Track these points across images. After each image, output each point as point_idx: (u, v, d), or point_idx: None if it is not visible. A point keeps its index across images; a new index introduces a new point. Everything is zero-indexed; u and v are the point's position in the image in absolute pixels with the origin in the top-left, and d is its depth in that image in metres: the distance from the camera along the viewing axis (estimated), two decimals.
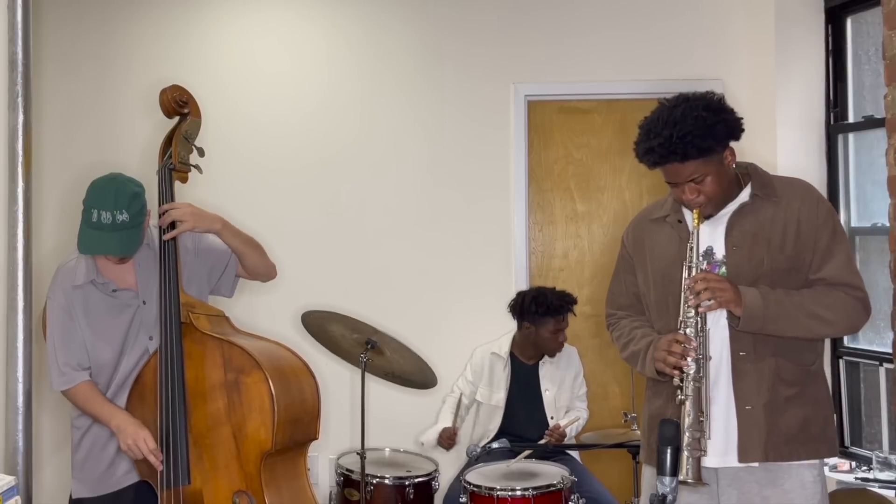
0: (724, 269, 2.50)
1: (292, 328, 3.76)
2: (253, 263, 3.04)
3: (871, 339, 4.15)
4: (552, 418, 4.10)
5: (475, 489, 3.44)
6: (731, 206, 2.52)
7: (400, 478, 3.70)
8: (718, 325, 2.49)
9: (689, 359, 2.40)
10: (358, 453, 3.58)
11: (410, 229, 4.77)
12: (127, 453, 2.75)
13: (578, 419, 4.12)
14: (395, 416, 4.53)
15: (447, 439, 3.99)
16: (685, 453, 2.35)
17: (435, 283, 4.74)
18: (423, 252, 4.75)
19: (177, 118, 2.96)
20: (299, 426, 2.80)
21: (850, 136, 4.34)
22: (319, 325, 3.61)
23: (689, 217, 2.52)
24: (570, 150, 4.80)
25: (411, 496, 3.68)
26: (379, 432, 4.36)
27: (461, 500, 3.47)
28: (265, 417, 2.68)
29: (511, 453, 3.83)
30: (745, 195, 2.52)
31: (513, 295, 4.39)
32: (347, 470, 3.74)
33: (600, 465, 4.32)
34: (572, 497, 3.45)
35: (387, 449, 4.07)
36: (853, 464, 3.99)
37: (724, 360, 2.49)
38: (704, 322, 2.45)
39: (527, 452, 3.80)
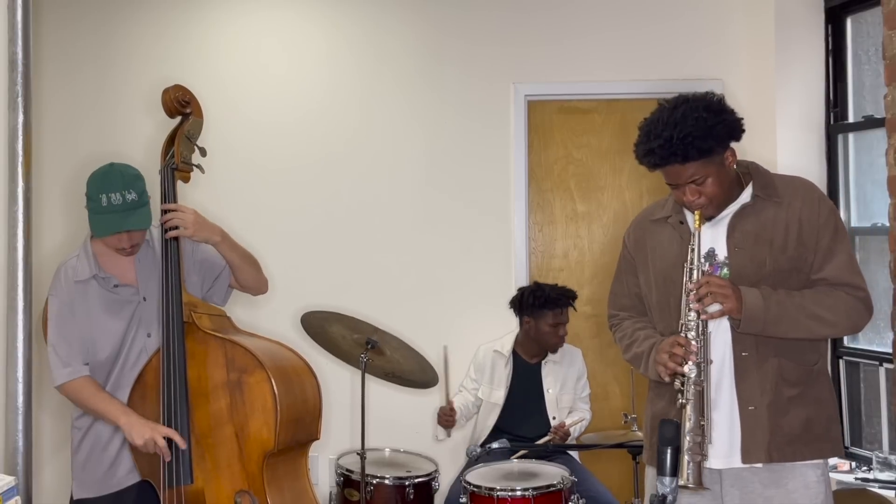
0: (726, 271, 2.49)
1: (292, 328, 3.76)
2: (246, 277, 3.06)
3: (871, 339, 4.15)
4: (554, 418, 4.11)
5: (475, 489, 3.44)
6: (733, 207, 2.51)
7: (400, 478, 3.70)
8: (720, 326, 2.49)
9: (690, 362, 2.40)
10: (358, 453, 3.58)
11: (410, 229, 4.77)
12: (139, 447, 2.75)
13: (583, 420, 4.13)
14: (395, 416, 4.54)
15: (444, 417, 3.98)
16: (686, 457, 2.35)
17: (435, 283, 4.74)
18: (423, 252, 4.75)
19: (179, 118, 2.97)
20: (301, 426, 2.81)
21: (850, 136, 4.34)
22: (319, 325, 3.61)
23: (691, 218, 2.51)
24: (570, 150, 4.80)
25: (411, 496, 3.67)
26: (379, 432, 4.36)
27: (461, 500, 3.47)
28: (268, 417, 2.68)
29: (511, 453, 3.83)
30: (746, 195, 2.51)
31: (513, 294, 4.40)
32: (347, 470, 3.74)
33: (600, 465, 4.32)
34: (572, 497, 3.45)
35: (387, 449, 4.07)
36: (853, 464, 3.99)
37: (727, 361, 2.48)
38: (706, 325, 2.44)
39: (522, 452, 3.81)
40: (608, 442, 3.78)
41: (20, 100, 2.48)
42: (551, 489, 3.40)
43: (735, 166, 2.50)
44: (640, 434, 3.69)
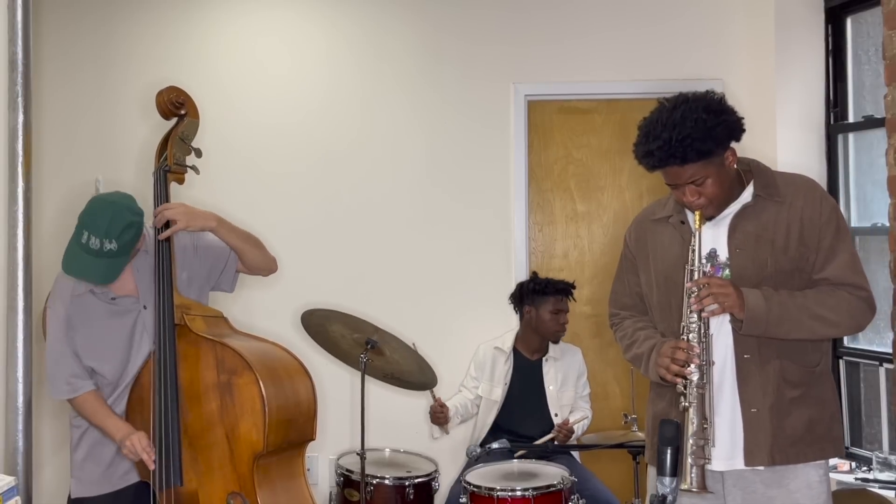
0: (727, 272, 2.48)
1: (292, 328, 3.76)
2: (252, 258, 3.03)
3: (871, 339, 4.15)
4: (556, 415, 4.11)
5: (475, 489, 3.44)
6: (734, 207, 2.49)
7: (400, 478, 3.69)
8: (722, 328, 2.48)
9: (692, 366, 2.39)
10: (358, 454, 3.57)
11: (410, 229, 4.77)
12: (128, 457, 2.76)
13: (585, 418, 4.14)
14: (394, 417, 4.53)
15: (436, 414, 3.98)
16: (689, 461, 2.35)
17: (435, 283, 4.74)
18: (423, 252, 4.75)
19: (174, 119, 2.94)
20: (294, 427, 2.79)
21: (850, 135, 4.34)
22: (319, 324, 3.60)
23: (692, 218, 2.49)
24: (570, 150, 4.80)
25: (411, 496, 3.67)
26: (379, 433, 4.36)
27: (461, 500, 3.47)
28: (256, 419, 2.67)
29: (512, 453, 3.83)
30: (747, 195, 2.50)
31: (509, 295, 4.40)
32: (347, 470, 3.74)
33: (600, 465, 4.32)
34: (572, 497, 3.45)
35: (387, 449, 4.07)
36: (853, 464, 3.98)
37: (729, 363, 2.48)
38: (707, 327, 2.43)
39: (521, 452, 3.80)
40: (608, 442, 3.78)
41: (20, 100, 2.48)
42: (551, 489, 3.40)
43: (736, 165, 2.48)
44: (640, 434, 3.69)
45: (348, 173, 4.79)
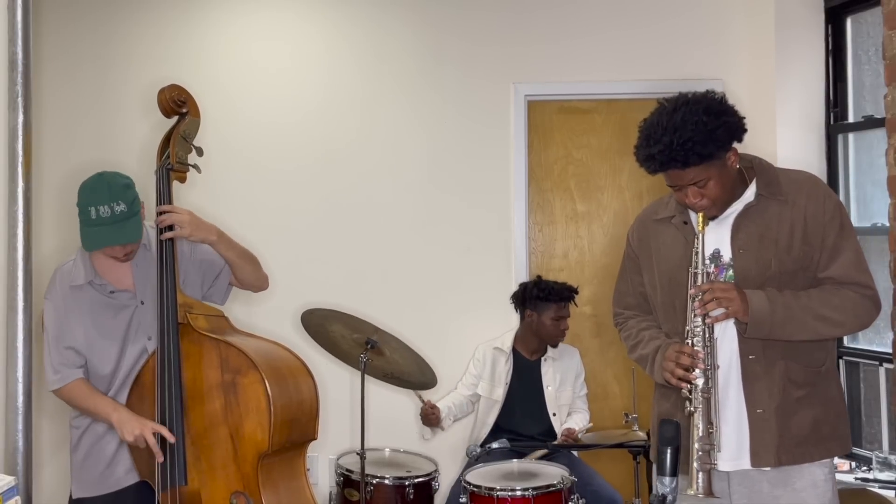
0: (731, 273, 2.47)
1: (292, 327, 3.76)
2: (245, 275, 3.06)
3: (871, 339, 4.15)
4: (554, 415, 4.11)
5: (475, 489, 3.44)
6: (737, 206, 2.48)
7: (400, 478, 3.70)
8: (727, 330, 2.47)
9: (697, 371, 2.38)
10: (358, 453, 3.57)
11: (410, 229, 4.77)
12: (131, 443, 2.74)
13: (587, 421, 4.15)
14: (394, 416, 4.53)
15: (428, 415, 3.97)
16: (695, 465, 2.34)
17: (435, 284, 4.74)
18: (423, 252, 4.75)
19: (175, 118, 2.95)
20: (297, 427, 2.80)
21: (850, 136, 4.34)
22: (320, 324, 3.61)
23: (695, 219, 2.48)
24: (570, 150, 4.80)
25: (411, 496, 3.67)
26: (379, 432, 4.36)
27: (461, 500, 3.47)
28: (261, 418, 2.67)
29: (512, 453, 3.83)
30: (750, 194, 2.48)
31: (514, 291, 4.39)
32: (347, 470, 3.74)
33: (601, 465, 4.31)
34: (572, 497, 3.45)
35: (387, 449, 4.07)
36: (853, 464, 3.98)
37: (734, 365, 2.47)
38: (712, 332, 2.42)
39: (540, 452, 3.79)
40: (608, 442, 3.78)
41: (20, 100, 2.47)
42: (551, 489, 3.41)
43: (738, 163, 2.46)
44: (640, 434, 3.69)
45: (348, 173, 4.79)
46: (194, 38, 4.86)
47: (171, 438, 2.70)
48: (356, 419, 3.68)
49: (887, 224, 3.64)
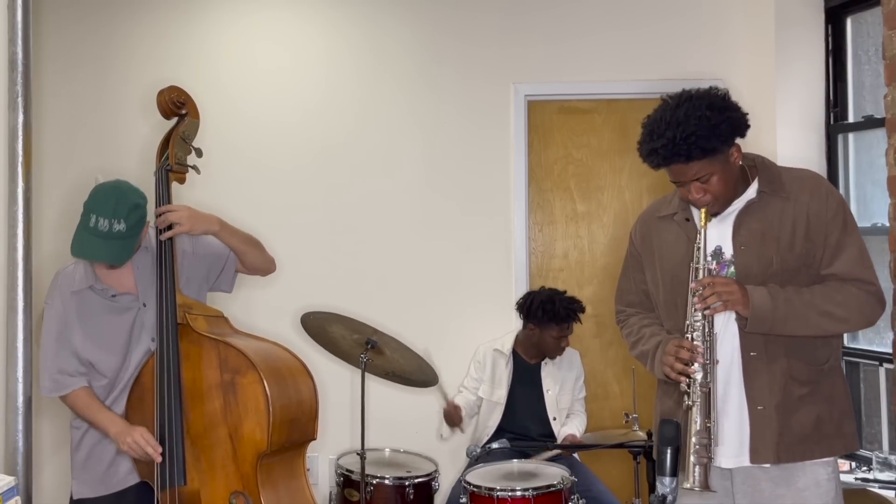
0: (732, 269, 2.47)
1: (292, 328, 3.75)
2: (252, 260, 3.05)
3: (871, 339, 4.15)
4: (554, 419, 4.11)
5: (475, 489, 3.44)
6: (738, 204, 2.48)
7: (400, 478, 3.69)
8: (728, 326, 2.47)
9: (696, 365, 2.39)
10: (358, 453, 3.57)
11: (410, 230, 4.77)
12: (129, 453, 2.75)
13: (583, 424, 4.15)
14: (395, 416, 4.53)
15: (449, 415, 3.97)
16: (692, 459, 2.34)
17: (435, 284, 4.74)
18: (423, 252, 4.75)
19: (175, 119, 2.95)
20: (296, 427, 2.80)
21: (850, 136, 4.34)
22: (319, 325, 3.61)
23: (697, 215, 2.48)
24: (570, 150, 4.80)
25: (411, 496, 3.67)
26: (379, 432, 4.36)
27: (461, 500, 3.47)
28: (260, 418, 2.67)
29: (512, 453, 3.83)
30: (752, 191, 2.48)
31: (512, 295, 4.40)
32: (347, 470, 3.74)
33: (600, 465, 4.32)
34: (572, 497, 3.45)
35: (387, 449, 4.07)
36: (853, 464, 3.98)
37: (736, 361, 2.47)
38: (712, 326, 2.43)
39: (550, 454, 3.79)
40: (608, 442, 3.77)
41: (20, 100, 2.48)
42: (551, 489, 3.40)
43: (741, 161, 2.46)
44: (640, 434, 3.69)
45: (348, 173, 4.79)
46: (194, 39, 4.86)
47: (157, 458, 2.70)
48: (356, 419, 3.67)
49: (887, 224, 3.64)
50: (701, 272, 2.43)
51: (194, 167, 2.95)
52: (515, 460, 3.75)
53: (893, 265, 3.50)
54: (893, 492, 3.58)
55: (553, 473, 3.54)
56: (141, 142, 4.27)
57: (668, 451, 2.16)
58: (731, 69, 4.58)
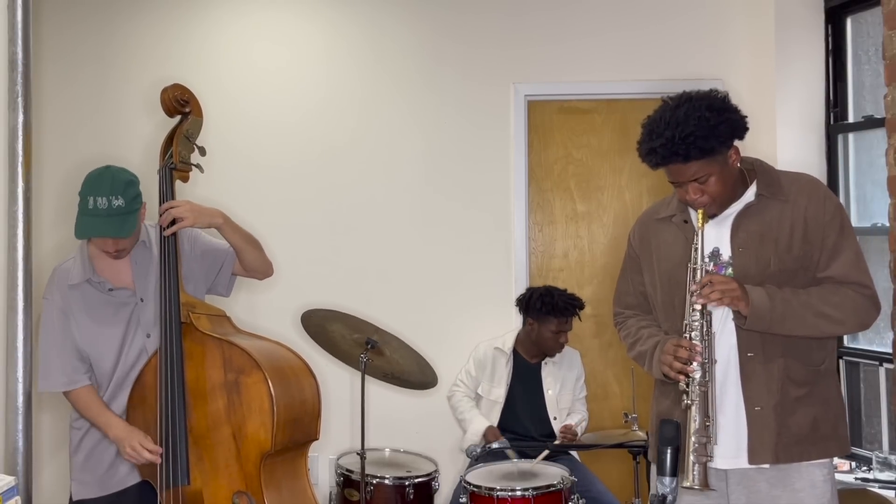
0: (730, 271, 2.48)
1: (292, 327, 3.76)
2: (251, 260, 3.04)
3: (871, 339, 4.15)
4: (555, 418, 4.11)
5: (475, 489, 3.44)
6: (737, 206, 2.49)
7: (400, 478, 3.70)
8: (726, 326, 2.48)
9: (694, 363, 2.39)
10: (358, 453, 3.57)
11: (410, 230, 4.77)
12: (130, 461, 2.75)
13: (584, 420, 4.15)
14: (395, 416, 4.54)
15: (493, 438, 3.97)
16: (691, 458, 2.34)
17: (435, 284, 4.74)
18: (423, 253, 4.75)
19: (178, 117, 2.96)
20: (299, 427, 2.80)
21: (850, 136, 4.34)
22: (320, 324, 3.61)
23: (695, 216, 2.49)
24: (570, 150, 4.80)
25: (411, 496, 3.68)
26: (379, 432, 4.36)
27: (461, 500, 3.47)
28: (265, 418, 2.67)
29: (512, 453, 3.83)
30: (750, 194, 2.50)
31: (512, 295, 4.41)
32: (347, 470, 3.74)
33: (600, 465, 4.32)
34: (572, 497, 3.45)
35: (387, 449, 4.07)
36: (853, 464, 3.98)
37: (733, 362, 2.47)
38: (710, 325, 2.43)
39: (544, 453, 3.79)
40: (608, 442, 3.77)
41: (20, 100, 2.48)
42: (551, 489, 3.41)
43: (739, 164, 2.48)
44: (640, 434, 3.69)
45: (348, 173, 4.79)
46: (195, 39, 4.86)
47: (156, 461, 2.71)
48: (356, 419, 3.68)
49: (887, 224, 3.64)
50: (699, 272, 2.44)
51: (198, 165, 2.95)
52: (515, 460, 3.75)
53: (893, 265, 3.51)
54: (893, 492, 3.58)
55: (553, 473, 3.54)
56: (142, 141, 4.27)
57: (668, 450, 2.17)
58: (731, 69, 4.58)
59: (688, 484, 2.35)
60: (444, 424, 4.51)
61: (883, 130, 3.73)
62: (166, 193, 2.88)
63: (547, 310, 4.05)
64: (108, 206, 2.71)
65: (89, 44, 4.88)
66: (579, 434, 4.06)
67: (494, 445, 3.65)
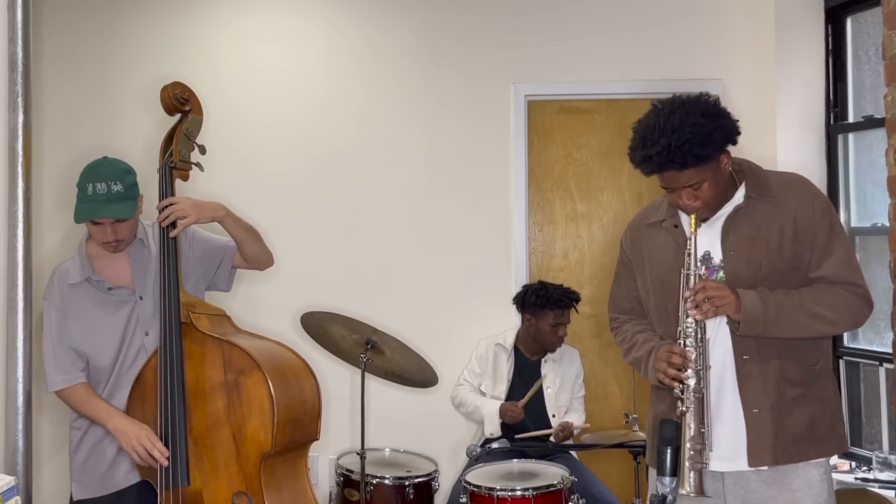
0: (721, 274, 2.48)
1: (292, 328, 3.76)
2: (252, 251, 3.04)
3: (871, 339, 4.15)
4: (553, 416, 4.12)
5: (475, 489, 3.44)
6: (727, 209, 2.49)
7: (400, 478, 3.70)
8: (720, 330, 2.47)
9: (688, 370, 2.39)
10: (358, 453, 3.57)
11: (410, 230, 4.77)
12: (130, 455, 2.75)
13: (582, 420, 4.15)
14: (395, 416, 4.54)
15: (510, 413, 4.00)
16: (686, 465, 2.34)
17: (435, 284, 4.74)
18: (423, 253, 4.75)
19: (178, 115, 2.95)
20: (299, 427, 2.79)
21: (850, 136, 4.34)
22: (319, 325, 3.61)
23: (686, 221, 2.49)
24: (570, 150, 4.80)
25: (411, 496, 3.67)
26: (379, 432, 4.36)
27: (461, 500, 3.47)
28: (265, 418, 2.67)
29: (512, 453, 3.83)
30: (739, 196, 2.49)
31: (512, 295, 4.39)
32: (347, 470, 3.74)
33: (600, 465, 4.32)
34: (572, 497, 3.45)
35: (387, 449, 4.07)
36: (853, 464, 3.98)
37: (728, 365, 2.47)
38: (704, 332, 2.43)
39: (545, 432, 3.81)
40: (608, 442, 3.78)
41: (20, 100, 2.48)
42: (551, 489, 3.40)
43: (730, 166, 2.47)
44: (641, 434, 3.70)
45: (348, 174, 4.79)
46: (194, 39, 4.86)
47: (163, 462, 2.70)
48: (356, 419, 3.68)
49: (887, 224, 3.64)
50: (692, 278, 2.43)
51: (198, 164, 2.95)
52: (515, 460, 3.75)
53: (893, 265, 3.51)
54: (893, 492, 3.59)
55: (553, 473, 3.54)
56: (142, 140, 4.27)
57: (668, 450, 2.16)
58: (731, 70, 4.58)
59: (684, 491, 2.34)
60: (444, 424, 4.51)
61: (883, 130, 3.73)
62: (166, 192, 2.88)
63: (542, 303, 4.08)
64: (107, 190, 2.74)
65: (89, 43, 4.88)
66: (575, 432, 4.06)
67: (495, 445, 3.65)
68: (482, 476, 3.55)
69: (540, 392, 4.15)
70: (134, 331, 2.87)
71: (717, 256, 2.49)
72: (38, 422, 3.53)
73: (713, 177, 2.41)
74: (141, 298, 2.89)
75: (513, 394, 4.15)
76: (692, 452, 2.35)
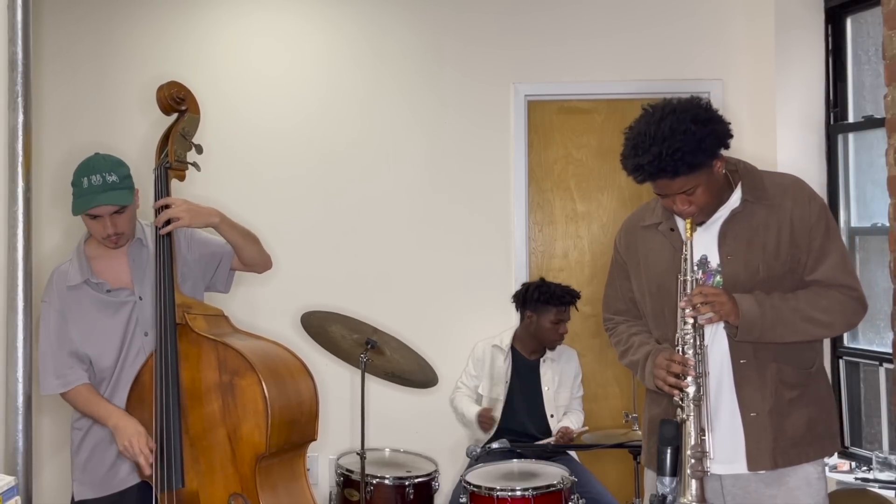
0: (719, 279, 2.47)
1: (292, 328, 3.76)
2: (250, 255, 3.03)
3: (871, 339, 4.15)
4: (552, 416, 4.11)
5: (475, 489, 3.44)
6: (723, 212, 2.47)
7: (400, 478, 3.70)
8: (717, 335, 2.47)
9: (688, 378, 2.38)
10: (358, 453, 3.58)
11: (410, 230, 4.77)
12: (123, 453, 2.75)
13: (581, 423, 4.15)
14: (395, 416, 4.54)
15: (486, 420, 4.02)
16: (688, 472, 2.34)
17: (435, 284, 4.74)
18: (423, 252, 4.75)
19: (174, 115, 2.92)
20: (296, 428, 2.78)
21: (850, 136, 4.34)
22: (319, 325, 3.61)
23: (682, 225, 2.48)
24: (570, 150, 4.80)
25: (411, 496, 3.67)
26: (379, 432, 4.36)
27: (461, 500, 3.47)
28: (259, 420, 2.65)
29: (512, 453, 3.83)
30: (735, 199, 2.47)
31: (516, 290, 4.39)
32: (347, 470, 3.74)
33: (600, 465, 4.32)
34: (572, 497, 3.45)
35: (387, 449, 4.07)
36: (853, 464, 3.99)
37: (726, 369, 2.46)
38: (703, 338, 2.41)
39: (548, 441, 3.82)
40: (608, 442, 3.78)
41: (20, 100, 2.47)
42: (551, 489, 3.40)
43: (724, 169, 2.45)
44: (640, 434, 3.69)
45: (348, 174, 4.79)
46: (194, 39, 4.86)
47: (145, 470, 2.71)
48: (356, 419, 3.68)
49: (887, 224, 3.64)
50: (689, 284, 2.41)
51: (194, 164, 2.91)
52: (515, 460, 3.75)
53: (893, 265, 3.50)
54: (893, 492, 3.59)
55: (553, 473, 3.54)
56: (140, 140, 4.27)
57: (668, 450, 2.16)
58: (731, 70, 4.58)
59: (685, 500, 2.34)
60: (444, 424, 4.51)
61: (883, 130, 3.73)
62: (162, 192, 2.85)
63: (545, 299, 4.08)
64: (102, 182, 2.77)
65: (87, 43, 4.88)
66: (581, 437, 4.06)
67: (495, 445, 3.65)
68: (482, 476, 3.55)
69: (538, 392, 4.15)
70: (134, 332, 2.87)
71: (714, 260, 2.48)
72: (38, 422, 3.53)
73: (707, 182, 2.38)
74: (140, 299, 2.89)
75: (512, 395, 4.14)
76: (693, 461, 2.35)
